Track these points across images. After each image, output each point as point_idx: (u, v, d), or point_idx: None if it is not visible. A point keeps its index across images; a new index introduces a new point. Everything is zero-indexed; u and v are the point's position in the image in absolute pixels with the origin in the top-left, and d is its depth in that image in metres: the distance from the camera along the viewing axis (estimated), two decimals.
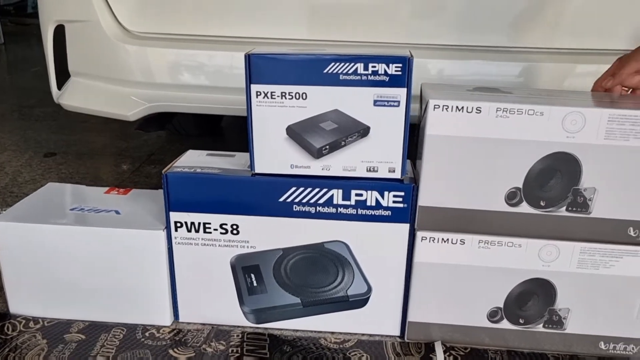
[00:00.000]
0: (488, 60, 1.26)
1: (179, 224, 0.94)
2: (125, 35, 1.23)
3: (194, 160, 0.99)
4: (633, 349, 0.94)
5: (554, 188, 0.86)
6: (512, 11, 1.24)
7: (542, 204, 0.87)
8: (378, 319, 0.98)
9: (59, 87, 1.37)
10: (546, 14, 1.25)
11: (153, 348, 0.94)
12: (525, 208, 0.87)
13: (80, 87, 1.31)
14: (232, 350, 0.94)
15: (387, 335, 0.99)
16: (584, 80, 1.16)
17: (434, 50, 1.26)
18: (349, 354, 0.94)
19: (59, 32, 1.30)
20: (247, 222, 0.93)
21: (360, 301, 0.97)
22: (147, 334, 0.98)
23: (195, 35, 1.22)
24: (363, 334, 0.99)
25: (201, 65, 1.21)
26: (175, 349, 0.94)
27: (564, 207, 0.87)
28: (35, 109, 2.59)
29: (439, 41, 1.27)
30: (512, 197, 0.87)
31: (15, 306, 1.02)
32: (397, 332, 0.99)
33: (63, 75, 1.35)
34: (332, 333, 0.99)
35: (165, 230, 0.95)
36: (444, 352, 0.95)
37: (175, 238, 0.95)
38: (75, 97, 1.33)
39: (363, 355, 0.94)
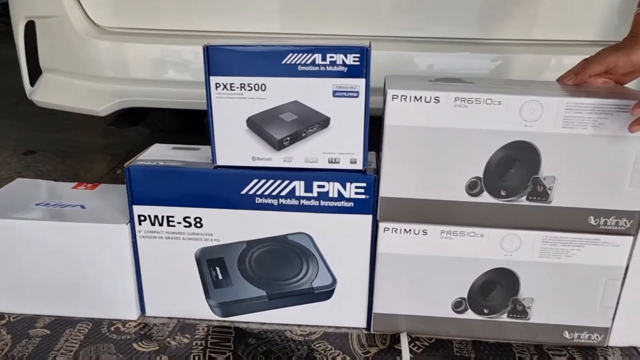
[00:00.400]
0: (462, 52, 1.25)
1: (142, 218, 0.94)
2: (95, 31, 1.23)
3: (158, 153, 0.98)
4: (597, 337, 0.94)
5: (513, 177, 0.86)
6: (486, 3, 1.24)
7: (502, 193, 0.87)
8: (344, 311, 0.98)
9: (32, 83, 1.36)
10: (520, 5, 1.25)
11: (117, 342, 0.94)
12: (486, 198, 0.87)
13: (52, 83, 1.31)
14: (196, 344, 0.94)
15: (353, 327, 0.99)
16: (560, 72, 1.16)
17: (408, 43, 1.26)
18: (314, 345, 0.94)
19: (30, 28, 1.29)
20: (210, 215, 0.93)
21: (325, 293, 0.96)
22: (112, 328, 0.98)
23: (164, 30, 1.22)
24: (329, 326, 0.99)
25: (171, 60, 1.20)
26: (139, 343, 0.94)
27: (525, 197, 0.87)
28: (19, 107, 2.58)
29: (415, 34, 1.26)
30: (472, 187, 0.87)
31: None
32: (363, 324, 0.99)
33: (35, 72, 1.34)
34: (299, 325, 0.99)
35: (129, 224, 0.95)
36: (409, 343, 0.95)
37: (139, 232, 0.95)
38: (47, 93, 1.32)
39: (328, 347, 0.94)
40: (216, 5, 1.21)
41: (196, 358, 0.90)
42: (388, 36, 1.24)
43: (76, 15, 1.23)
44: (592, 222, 0.87)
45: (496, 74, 1.24)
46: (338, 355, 0.92)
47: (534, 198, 0.87)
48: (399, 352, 0.93)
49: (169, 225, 0.94)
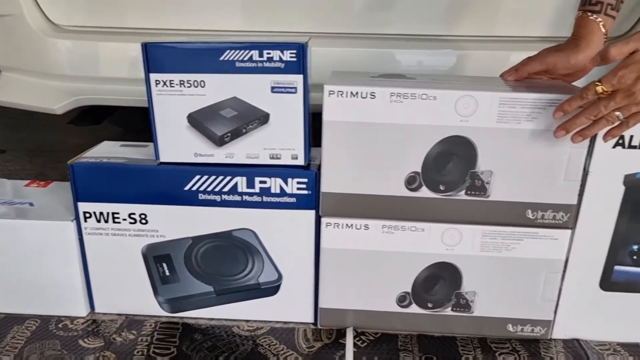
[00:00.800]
0: (421, 49, 1.26)
1: (87, 215, 0.94)
2: (51, 29, 1.23)
3: (105, 151, 0.99)
4: (540, 330, 0.95)
5: (451, 172, 0.87)
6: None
7: (441, 188, 0.88)
8: (291, 306, 0.99)
9: None
10: (476, 1, 1.25)
11: (63, 339, 0.94)
12: (425, 192, 0.88)
13: (11, 82, 1.30)
14: (142, 340, 0.94)
15: (301, 322, 1.00)
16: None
17: (366, 40, 1.26)
18: (259, 341, 0.95)
19: None
20: (155, 211, 0.94)
21: (271, 288, 0.97)
22: (60, 325, 0.98)
23: (120, 27, 1.22)
24: (277, 322, 1.00)
25: (127, 58, 1.20)
26: (85, 340, 0.94)
27: (463, 191, 0.87)
28: None
29: (373, 31, 1.27)
30: (411, 182, 0.88)
31: None
32: (311, 319, 1.00)
33: None
34: (247, 321, 1.00)
35: (74, 221, 0.95)
36: (355, 337, 0.96)
37: (85, 229, 0.95)
38: (6, 92, 1.31)
39: (272, 342, 0.94)
40: (171, 3, 1.22)
41: (140, 353, 0.91)
42: (346, 33, 1.25)
43: (33, 13, 1.23)
44: (530, 215, 0.88)
45: (455, 71, 1.25)
46: (282, 350, 0.93)
47: (473, 192, 0.87)
48: (344, 347, 0.93)
49: (114, 222, 0.95)
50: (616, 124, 0.78)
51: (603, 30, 0.88)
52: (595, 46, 0.88)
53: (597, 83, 0.75)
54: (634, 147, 0.83)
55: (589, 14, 0.89)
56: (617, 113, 0.76)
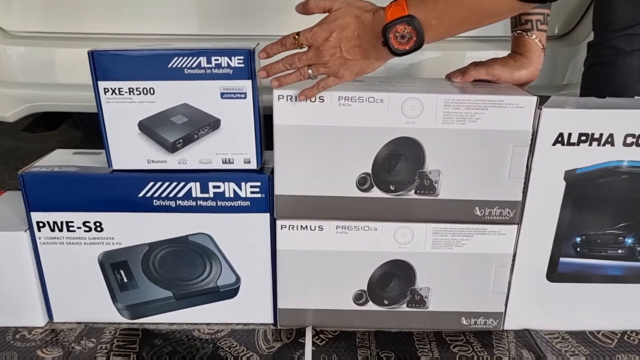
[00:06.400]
0: None
1: (41, 224, 0.94)
2: (1, 35, 1.21)
3: (57, 159, 0.98)
4: (493, 322, 0.98)
5: (401, 172, 0.89)
6: None
7: (391, 188, 0.90)
8: (251, 308, 1.00)
9: None
10: None
11: (21, 349, 0.94)
12: (376, 193, 0.90)
13: None
14: (101, 347, 0.94)
15: (261, 324, 1.01)
16: None
17: None
18: (220, 343, 0.96)
19: None
20: (109, 219, 0.93)
21: (230, 291, 0.98)
22: (17, 336, 0.97)
23: (71, 33, 1.21)
24: (237, 324, 1.01)
25: (78, 63, 1.19)
26: (43, 350, 0.94)
27: (413, 190, 0.90)
28: None
29: None
30: (362, 183, 0.90)
31: None
32: (270, 320, 1.01)
33: None
34: (207, 324, 1.01)
35: (27, 231, 0.94)
36: (314, 336, 0.97)
37: (39, 238, 0.95)
38: None
39: (233, 344, 0.95)
40: (121, 7, 1.21)
41: None
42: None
43: None
44: (478, 212, 0.91)
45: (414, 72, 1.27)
46: (242, 351, 0.94)
47: (422, 191, 0.90)
48: (303, 346, 0.95)
49: (69, 230, 0.94)
50: (310, 82, 0.79)
51: (540, 45, 0.93)
52: (536, 62, 0.94)
53: (295, 34, 0.77)
54: (573, 144, 0.86)
55: (524, 32, 0.93)
56: (310, 70, 0.78)
